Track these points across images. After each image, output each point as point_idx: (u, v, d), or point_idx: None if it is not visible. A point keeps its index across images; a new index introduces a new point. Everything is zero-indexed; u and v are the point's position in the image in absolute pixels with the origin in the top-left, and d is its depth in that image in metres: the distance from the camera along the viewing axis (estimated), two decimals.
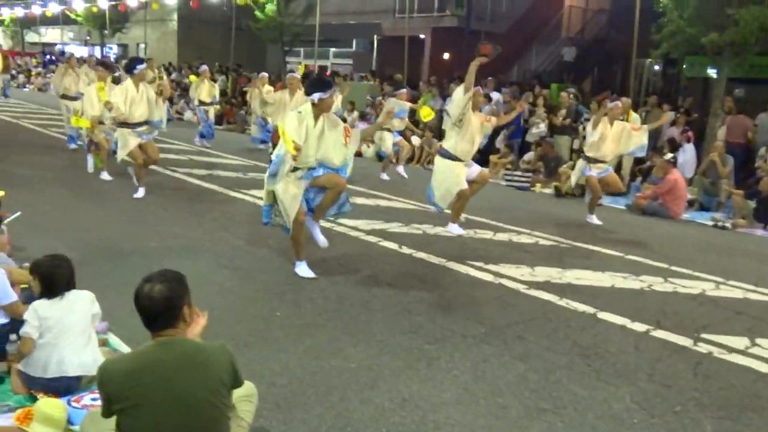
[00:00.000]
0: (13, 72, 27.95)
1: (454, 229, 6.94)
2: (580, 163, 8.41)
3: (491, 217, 8.23)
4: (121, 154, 7.91)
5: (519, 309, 5.00)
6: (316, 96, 5.03)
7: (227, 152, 12.69)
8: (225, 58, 23.89)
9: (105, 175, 8.97)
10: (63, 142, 11.83)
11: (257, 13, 19.61)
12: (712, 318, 5.07)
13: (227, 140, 14.59)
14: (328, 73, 22.64)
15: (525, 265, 6.17)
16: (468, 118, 6.59)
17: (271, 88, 13.73)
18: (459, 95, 6.51)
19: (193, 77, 15.09)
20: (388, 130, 10.58)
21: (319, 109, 5.09)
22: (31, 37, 38.20)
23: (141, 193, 7.96)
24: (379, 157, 12.34)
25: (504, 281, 5.65)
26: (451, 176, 6.69)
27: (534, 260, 6.38)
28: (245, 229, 6.84)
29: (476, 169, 6.93)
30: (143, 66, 7.90)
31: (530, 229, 7.65)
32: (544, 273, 5.94)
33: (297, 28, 19.64)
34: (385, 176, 10.85)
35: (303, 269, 5.37)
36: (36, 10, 32.25)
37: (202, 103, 13.84)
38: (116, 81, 9.72)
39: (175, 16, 29.54)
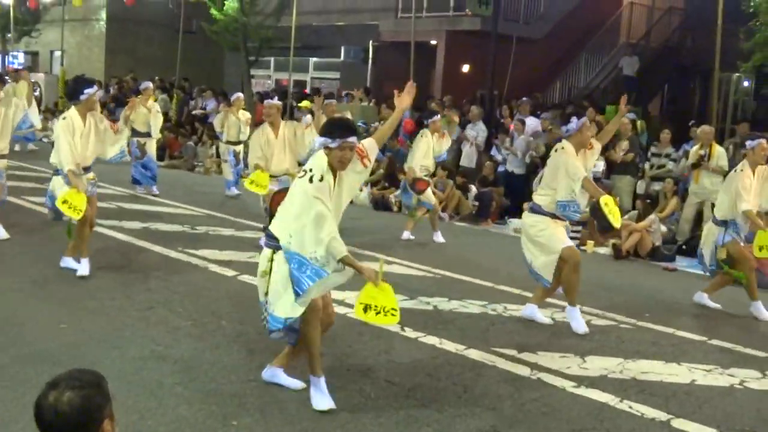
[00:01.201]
0: None
1: (577, 325, 6.84)
2: (713, 228, 8.13)
3: (527, 286, 8.25)
4: (76, 217, 7.42)
5: (565, 415, 4.99)
6: (318, 141, 4.89)
7: (170, 198, 12.81)
8: (168, 71, 24.29)
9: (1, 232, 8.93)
10: None
11: (213, 11, 20.01)
12: None
13: (170, 181, 14.74)
14: (307, 90, 23.03)
15: (572, 353, 6.17)
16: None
17: (249, 115, 13.98)
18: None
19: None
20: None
21: (330, 162, 4.85)
22: None
23: (85, 268, 7.56)
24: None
25: (544, 376, 5.64)
26: (545, 234, 6.96)
27: (585, 347, 6.39)
28: (191, 305, 6.87)
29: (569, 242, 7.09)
30: (92, 91, 7.71)
31: (579, 305, 7.66)
32: (599, 365, 5.95)
33: (266, 31, 20.02)
34: (408, 235, 10.90)
35: (322, 399, 4.89)
36: None
37: (136, 133, 12.88)
38: None
39: (103, 16, 30.15)
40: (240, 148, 13.78)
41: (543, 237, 6.96)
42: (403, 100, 5.26)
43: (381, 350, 6.01)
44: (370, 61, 22.84)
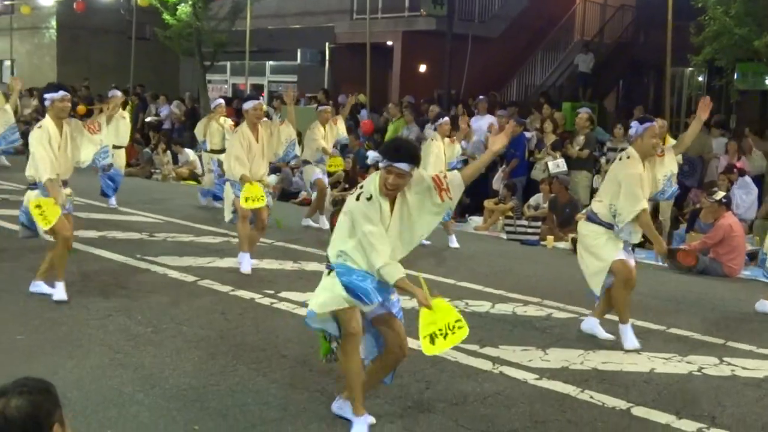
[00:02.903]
0: None
1: (629, 342, 6.41)
2: None
3: (488, 282, 8.34)
4: (43, 226, 6.94)
5: (528, 407, 5.04)
6: (371, 155, 4.52)
7: (127, 206, 12.68)
8: (123, 78, 24.04)
9: None
10: None
11: (166, 16, 19.82)
12: None
13: (127, 189, 14.55)
14: (264, 93, 22.93)
15: (534, 346, 6.24)
16: None
17: (231, 122, 13.69)
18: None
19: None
20: None
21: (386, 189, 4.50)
22: None
23: (61, 292, 7.01)
24: None
25: (506, 369, 5.70)
26: (598, 245, 6.51)
27: (546, 340, 6.47)
28: (150, 312, 6.81)
29: (629, 259, 6.62)
30: (55, 96, 7.04)
31: (540, 298, 7.76)
32: (560, 357, 6.02)
33: (221, 36, 19.88)
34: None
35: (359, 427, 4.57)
36: None
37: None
38: None
39: (53, 24, 29.75)
40: (224, 156, 13.12)
41: (595, 247, 6.53)
42: (498, 141, 4.80)
43: None
44: (327, 63, 22.83)
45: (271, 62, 24.74)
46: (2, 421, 2.30)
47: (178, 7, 19.71)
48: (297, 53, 23.70)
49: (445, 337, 4.27)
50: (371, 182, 4.49)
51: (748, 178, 11.56)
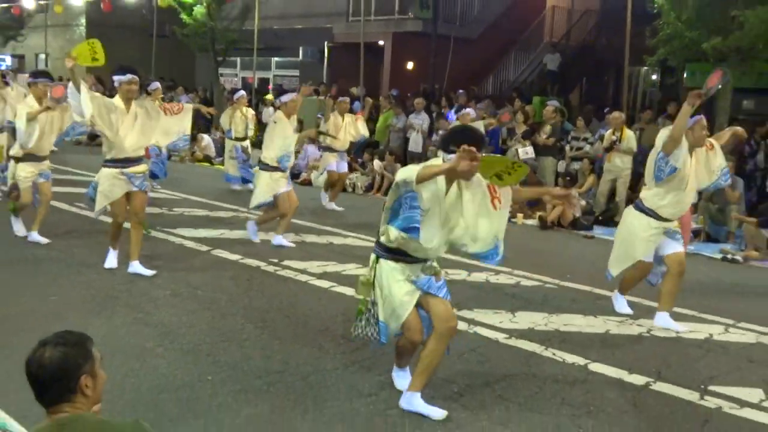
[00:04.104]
0: None
1: (620, 306, 6.21)
2: None
3: (464, 253, 8.34)
4: (100, 204, 6.72)
5: (498, 363, 5.09)
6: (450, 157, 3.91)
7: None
8: (144, 71, 23.77)
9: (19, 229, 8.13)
10: None
11: (184, 16, 19.65)
12: (721, 367, 5.23)
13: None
14: (270, 86, 22.80)
15: (504, 310, 6.29)
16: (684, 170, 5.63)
17: (253, 111, 13.39)
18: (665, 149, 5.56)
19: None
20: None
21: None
22: None
23: (112, 260, 6.94)
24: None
25: (480, 330, 5.74)
26: (637, 237, 5.92)
27: (515, 304, 6.51)
28: (169, 277, 6.81)
29: (674, 246, 5.96)
30: (123, 78, 6.58)
31: (510, 268, 7.78)
32: (527, 319, 6.06)
33: (232, 34, 19.72)
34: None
35: (420, 405, 4.22)
36: None
37: None
38: None
39: (82, 22, 29.41)
40: (247, 143, 12.83)
41: (633, 239, 6.00)
42: (553, 197, 4.51)
43: (338, 312, 6.02)
44: (325, 60, 22.72)
45: (276, 58, 24.55)
46: (37, 367, 2.33)
47: (194, 8, 19.53)
48: (299, 51, 23.58)
49: (509, 174, 3.80)
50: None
51: None
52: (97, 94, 6.54)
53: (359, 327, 4.37)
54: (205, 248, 8.06)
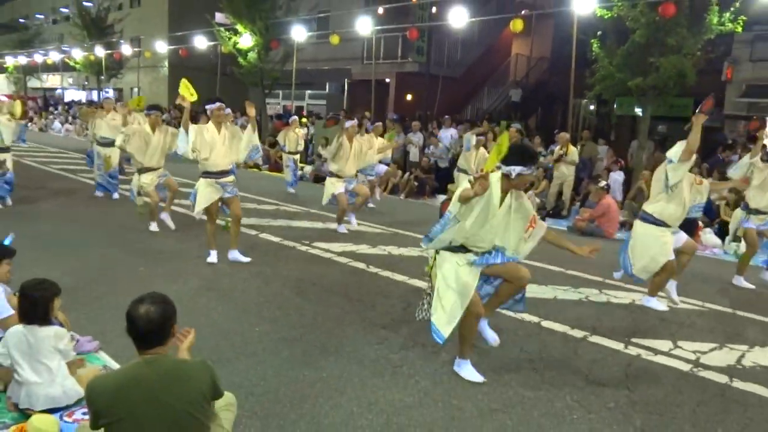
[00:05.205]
0: (31, 116, 26.84)
1: (653, 304, 5.31)
2: (739, 213, 7.00)
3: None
4: (199, 207, 6.30)
5: None
6: (515, 169, 3.62)
7: None
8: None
9: (153, 227, 7.78)
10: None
11: (240, 60, 19.60)
12: (640, 324, 5.18)
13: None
14: (304, 112, 22.73)
15: None
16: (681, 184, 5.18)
17: (304, 131, 12.85)
18: (678, 158, 4.99)
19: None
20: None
21: (511, 185, 3.72)
22: (33, 82, 37.54)
23: (213, 256, 6.41)
24: None
25: None
26: (656, 244, 5.26)
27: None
28: (227, 254, 6.76)
29: (683, 237, 5.46)
30: (213, 106, 6.25)
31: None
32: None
33: (276, 73, 19.65)
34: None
35: (468, 371, 3.89)
36: (38, 58, 31.89)
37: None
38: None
39: (166, 63, 29.43)
40: (298, 156, 12.55)
41: (651, 247, 5.31)
42: (582, 251, 4.05)
43: (354, 281, 5.96)
44: (345, 92, 22.68)
45: (308, 91, 24.50)
46: (146, 319, 2.32)
47: (248, 54, 19.50)
48: (326, 85, 23.56)
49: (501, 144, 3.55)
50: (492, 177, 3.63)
51: (620, 172, 11.54)
52: (196, 126, 6.26)
53: (422, 311, 4.07)
54: (254, 232, 8.03)
